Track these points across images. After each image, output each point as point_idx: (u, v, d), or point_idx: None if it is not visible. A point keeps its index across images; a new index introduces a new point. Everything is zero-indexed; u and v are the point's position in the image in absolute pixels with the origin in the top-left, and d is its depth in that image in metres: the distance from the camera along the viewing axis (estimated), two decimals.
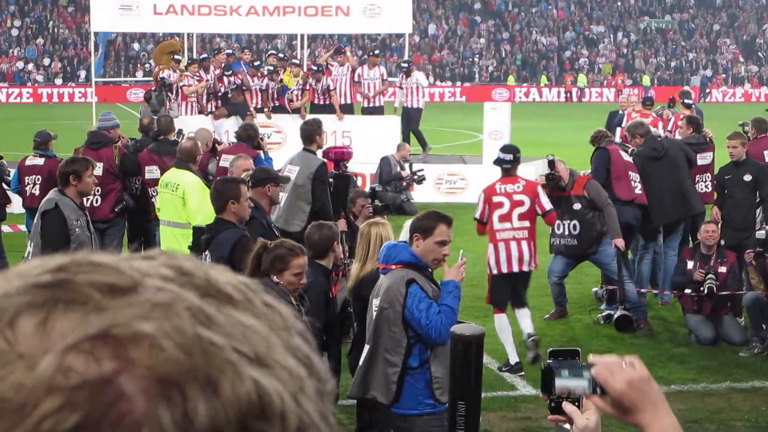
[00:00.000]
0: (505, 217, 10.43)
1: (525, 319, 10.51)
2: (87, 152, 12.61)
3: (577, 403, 2.37)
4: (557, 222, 11.50)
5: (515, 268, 10.39)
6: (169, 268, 0.79)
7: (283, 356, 0.78)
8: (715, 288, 11.40)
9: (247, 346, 0.76)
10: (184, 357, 0.73)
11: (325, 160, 11.48)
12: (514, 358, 10.30)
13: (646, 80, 64.16)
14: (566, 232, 11.68)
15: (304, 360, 0.80)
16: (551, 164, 11.66)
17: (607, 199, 11.62)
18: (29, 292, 0.76)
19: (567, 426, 2.39)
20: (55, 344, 0.72)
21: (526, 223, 10.44)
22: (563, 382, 2.38)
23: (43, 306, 0.75)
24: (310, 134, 11.52)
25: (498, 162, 10.80)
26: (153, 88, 20.93)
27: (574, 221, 11.61)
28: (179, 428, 0.71)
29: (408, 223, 7.42)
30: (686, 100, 17.81)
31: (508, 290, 10.48)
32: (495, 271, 10.47)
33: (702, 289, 11.44)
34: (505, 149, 11.02)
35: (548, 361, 2.45)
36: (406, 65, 23.57)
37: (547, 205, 10.57)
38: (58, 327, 0.73)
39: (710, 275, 11.43)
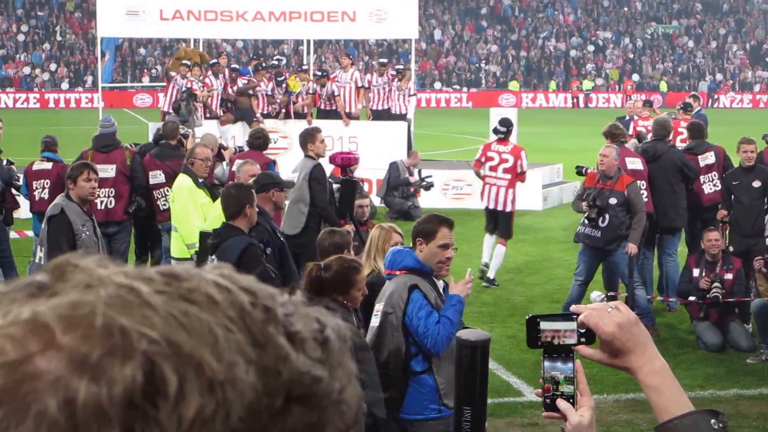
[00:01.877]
0: (493, 168, 14.42)
1: (487, 247, 14.52)
2: (96, 155, 12.65)
3: (571, 401, 2.35)
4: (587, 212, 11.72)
5: (491, 206, 14.47)
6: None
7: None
8: (720, 297, 11.37)
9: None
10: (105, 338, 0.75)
11: (320, 162, 11.43)
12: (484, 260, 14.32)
13: (663, 86, 64.02)
14: (593, 222, 11.73)
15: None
16: (580, 172, 12.57)
17: (644, 206, 11.73)
18: None
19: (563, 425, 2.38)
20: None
21: (508, 176, 14.32)
22: (550, 325, 2.35)
23: None
24: (303, 142, 11.64)
25: (495, 131, 14.81)
26: (180, 98, 20.87)
27: (605, 214, 11.64)
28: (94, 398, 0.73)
29: None
30: (688, 100, 17.86)
31: (491, 220, 14.61)
32: (483, 204, 14.65)
33: (708, 296, 11.42)
34: (502, 123, 14.78)
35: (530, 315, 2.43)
36: (398, 69, 23.49)
37: (525, 167, 14.65)
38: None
39: (716, 283, 11.40)
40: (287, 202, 10.70)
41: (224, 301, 0.80)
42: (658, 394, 2.25)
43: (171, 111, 20.86)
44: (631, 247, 11.62)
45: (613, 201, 11.63)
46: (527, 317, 2.39)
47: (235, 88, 22.00)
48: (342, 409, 0.82)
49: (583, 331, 2.32)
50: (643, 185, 12.32)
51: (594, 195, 11.71)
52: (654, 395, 2.25)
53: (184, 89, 21.10)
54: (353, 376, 0.84)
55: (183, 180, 11.13)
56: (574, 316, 2.33)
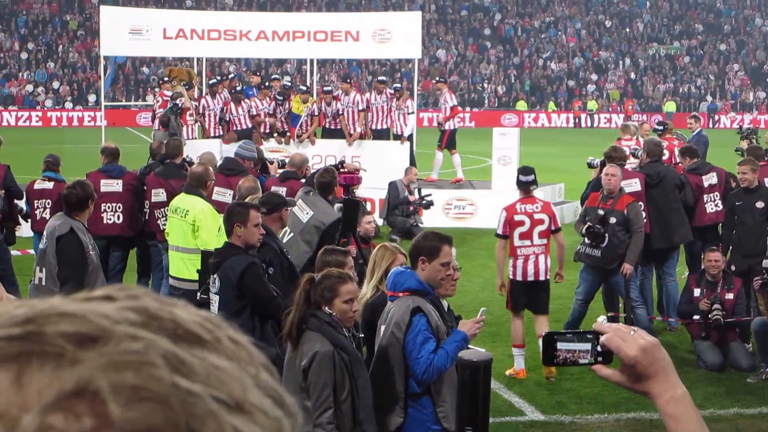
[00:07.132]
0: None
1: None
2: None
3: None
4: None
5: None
6: (136, 312, 0.77)
7: (258, 397, 0.77)
8: (722, 319, 11.38)
9: (224, 392, 0.75)
10: (164, 409, 0.72)
11: (340, 215, 10.67)
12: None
13: (670, 106, 63.71)
14: (593, 242, 11.75)
15: (276, 397, 0.79)
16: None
17: (642, 226, 11.75)
18: None
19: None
20: (32, 401, 0.71)
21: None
22: (567, 345, 2.33)
23: (15, 360, 0.73)
24: (330, 186, 11.03)
25: (655, 131, 16.47)
26: (169, 112, 20.82)
27: (605, 234, 11.69)
28: None
29: None
30: (656, 127, 17.96)
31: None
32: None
33: (709, 318, 11.43)
34: (659, 123, 17.06)
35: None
36: (395, 88, 23.53)
37: (680, 160, 14.19)
38: (33, 382, 0.72)
39: (716, 305, 11.41)
40: (287, 232, 10.35)
41: None
42: (677, 422, 2.20)
43: (158, 126, 20.72)
44: (627, 267, 11.67)
45: (612, 220, 11.69)
46: (544, 333, 2.38)
47: (239, 109, 21.96)
48: None
49: (600, 350, 2.29)
50: (641, 206, 12.38)
51: (597, 216, 11.76)
52: (673, 424, 2.20)
53: (171, 104, 21.06)
54: None
55: (200, 203, 10.86)
56: (590, 335, 2.31)
